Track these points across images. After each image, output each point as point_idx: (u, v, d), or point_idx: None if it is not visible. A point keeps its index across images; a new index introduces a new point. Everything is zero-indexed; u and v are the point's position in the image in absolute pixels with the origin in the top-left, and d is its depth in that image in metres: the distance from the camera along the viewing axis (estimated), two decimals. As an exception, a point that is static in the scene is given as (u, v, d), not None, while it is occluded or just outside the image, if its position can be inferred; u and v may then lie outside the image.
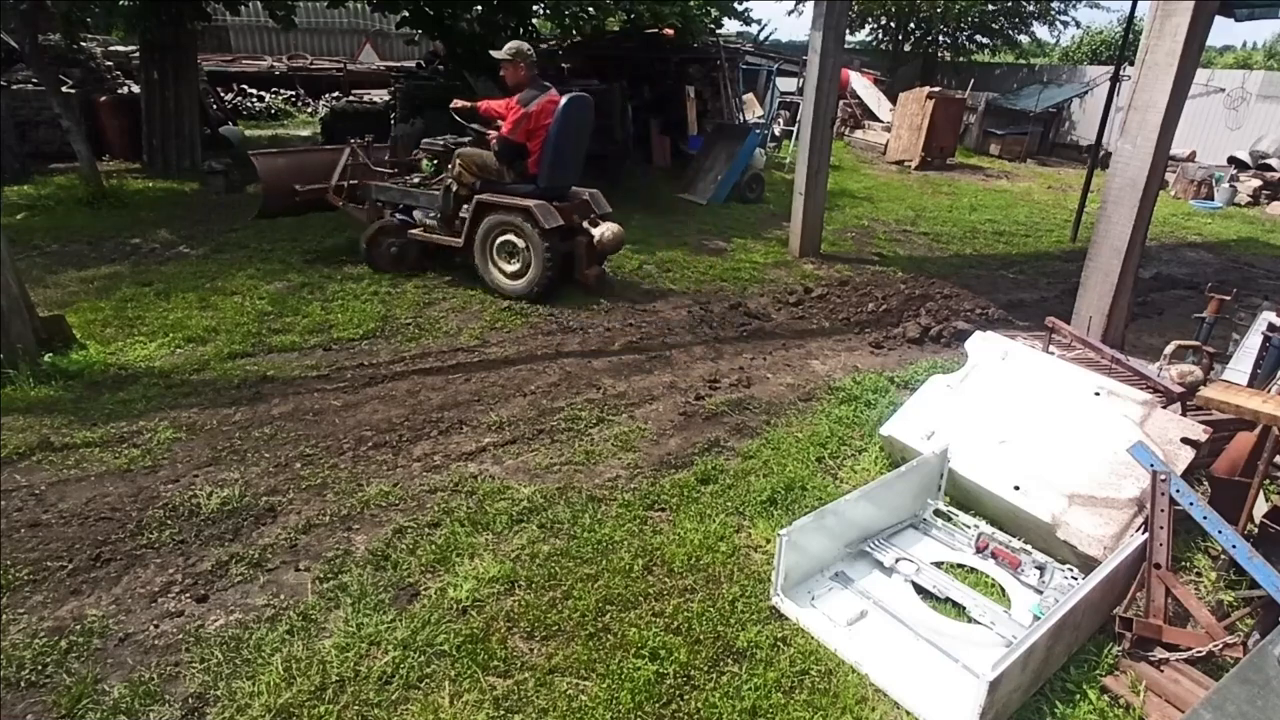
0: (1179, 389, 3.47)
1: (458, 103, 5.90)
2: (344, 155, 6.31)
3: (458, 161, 5.64)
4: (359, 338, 4.88)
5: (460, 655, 2.40)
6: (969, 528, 3.12)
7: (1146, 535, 2.63)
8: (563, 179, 5.75)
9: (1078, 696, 2.37)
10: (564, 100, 5.50)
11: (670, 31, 11.82)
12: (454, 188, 5.70)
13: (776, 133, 13.71)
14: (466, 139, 6.03)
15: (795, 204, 7.43)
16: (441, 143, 6.09)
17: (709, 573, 2.85)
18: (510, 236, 5.60)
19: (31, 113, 9.27)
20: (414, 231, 6.02)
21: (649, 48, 11.86)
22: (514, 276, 5.73)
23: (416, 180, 6.08)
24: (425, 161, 6.18)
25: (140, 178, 8.88)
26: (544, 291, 5.68)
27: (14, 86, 9.30)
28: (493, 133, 5.66)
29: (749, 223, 8.88)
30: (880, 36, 23.55)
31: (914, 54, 22.74)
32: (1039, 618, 2.40)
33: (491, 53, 5.76)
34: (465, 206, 5.71)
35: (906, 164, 14.15)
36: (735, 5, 12.29)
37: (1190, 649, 2.38)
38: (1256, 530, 2.79)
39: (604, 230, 5.71)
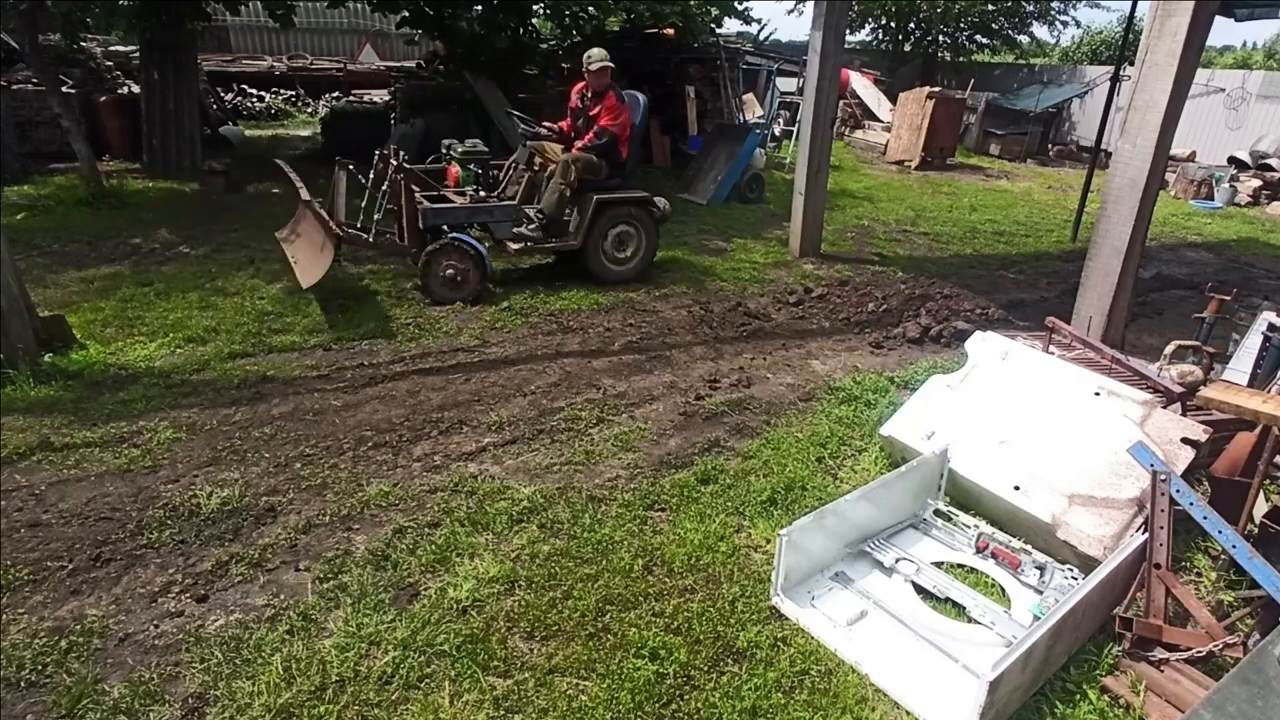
0: (1179, 389, 3.47)
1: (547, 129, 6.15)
2: (340, 181, 5.55)
3: (573, 166, 5.72)
4: (359, 338, 4.88)
5: (460, 655, 2.40)
6: (969, 528, 3.12)
7: (1146, 535, 2.63)
8: None
9: (1078, 696, 2.37)
10: (644, 100, 6.23)
11: (670, 31, 11.83)
12: (568, 192, 5.80)
13: (776, 133, 13.71)
14: (474, 141, 6.00)
15: (795, 204, 7.43)
16: (484, 148, 6.01)
17: (709, 573, 2.85)
18: (624, 227, 6.10)
19: (31, 113, 9.27)
20: (515, 246, 5.77)
21: (649, 48, 11.87)
22: (624, 262, 6.27)
23: (481, 193, 5.85)
24: (462, 171, 5.93)
25: (140, 178, 8.87)
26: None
27: (14, 86, 9.30)
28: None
29: (749, 223, 8.88)
30: (880, 36, 23.55)
31: (914, 54, 22.73)
32: (1039, 618, 2.40)
33: (591, 59, 5.86)
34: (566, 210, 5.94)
35: (906, 164, 14.15)
36: (735, 4, 12.30)
37: (1190, 649, 2.38)
38: (1256, 530, 2.78)
39: (664, 205, 6.34)
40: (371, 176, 5.53)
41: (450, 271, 5.47)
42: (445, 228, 5.54)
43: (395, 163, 5.42)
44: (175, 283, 5.61)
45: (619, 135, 5.92)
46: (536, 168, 6.05)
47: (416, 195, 5.55)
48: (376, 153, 5.68)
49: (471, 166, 5.95)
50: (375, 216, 5.43)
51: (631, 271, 6.29)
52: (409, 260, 5.84)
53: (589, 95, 6.04)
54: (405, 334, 5.00)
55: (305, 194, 5.23)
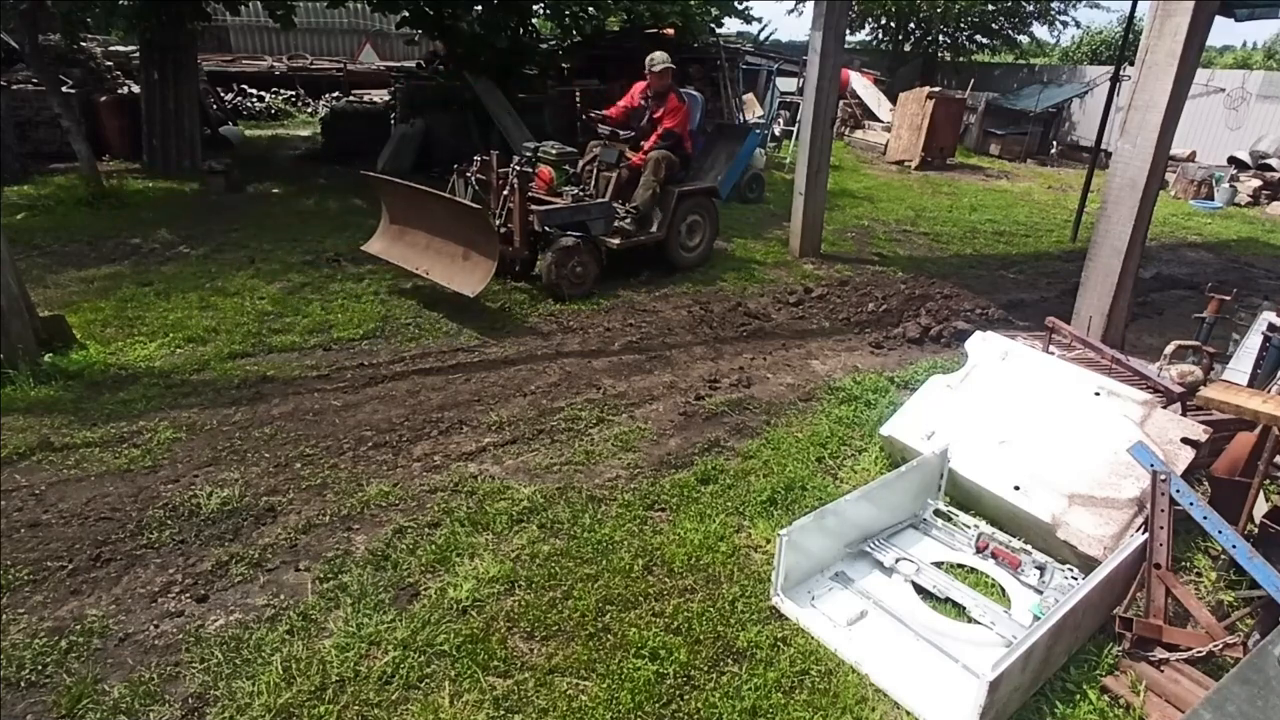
0: (1179, 389, 3.47)
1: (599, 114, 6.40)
2: (459, 188, 5.74)
3: (662, 164, 6.08)
4: (359, 338, 4.88)
5: (460, 655, 2.40)
6: (969, 528, 3.12)
7: (1146, 535, 2.63)
8: None
9: (1078, 696, 2.37)
10: (701, 99, 6.74)
11: (670, 31, 11.84)
12: (658, 189, 6.10)
13: (776, 133, 13.70)
14: (553, 143, 6.11)
15: (795, 204, 7.42)
16: (570, 148, 6.15)
17: (709, 573, 2.85)
18: (694, 216, 6.51)
19: (31, 113, 9.27)
20: (615, 241, 5.92)
21: (649, 48, 11.89)
22: (693, 249, 6.69)
23: (578, 193, 6.01)
24: (556, 173, 6.01)
25: (140, 178, 8.87)
26: None
27: (14, 86, 9.30)
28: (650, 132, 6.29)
29: (749, 223, 8.88)
30: (880, 36, 23.55)
31: (914, 54, 22.74)
32: (1039, 618, 2.40)
33: (654, 62, 6.15)
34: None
35: (906, 164, 14.14)
36: (736, 4, 12.30)
37: (1190, 649, 2.38)
38: (1256, 530, 2.79)
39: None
40: (471, 181, 5.69)
41: (580, 269, 5.72)
42: (548, 228, 5.62)
43: (517, 168, 5.50)
44: (175, 283, 5.61)
45: (681, 135, 6.24)
46: (623, 166, 6.19)
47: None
48: (478, 158, 5.78)
49: (566, 167, 6.08)
50: (496, 222, 5.48)
51: (699, 257, 6.72)
52: (510, 263, 5.80)
53: (650, 96, 6.32)
54: (405, 334, 5.00)
55: (470, 203, 5.25)
